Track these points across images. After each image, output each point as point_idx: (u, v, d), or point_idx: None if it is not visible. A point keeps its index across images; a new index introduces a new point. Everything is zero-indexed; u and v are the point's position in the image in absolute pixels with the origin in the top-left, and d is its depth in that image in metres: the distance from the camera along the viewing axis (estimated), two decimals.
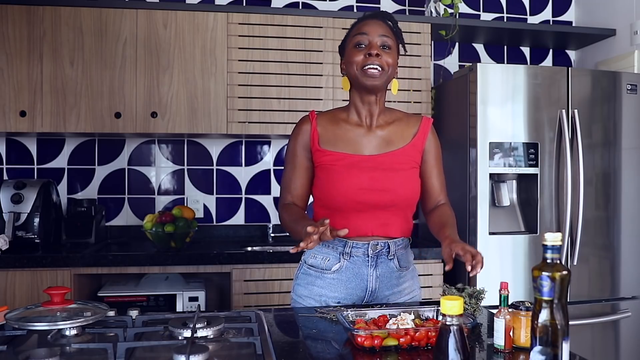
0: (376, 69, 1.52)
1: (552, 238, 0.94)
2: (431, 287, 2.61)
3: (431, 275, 2.62)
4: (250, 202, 3.12)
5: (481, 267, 1.34)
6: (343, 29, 2.80)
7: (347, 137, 1.59)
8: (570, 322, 0.97)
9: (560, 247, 0.94)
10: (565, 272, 0.95)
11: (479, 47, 3.36)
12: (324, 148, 1.58)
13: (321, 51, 2.81)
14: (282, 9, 2.84)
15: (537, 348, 0.95)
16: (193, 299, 2.47)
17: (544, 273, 0.94)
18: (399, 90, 2.83)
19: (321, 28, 2.81)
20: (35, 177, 2.95)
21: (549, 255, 0.95)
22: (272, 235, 3.05)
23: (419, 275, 2.60)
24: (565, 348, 0.94)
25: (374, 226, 1.57)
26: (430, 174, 1.64)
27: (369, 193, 1.54)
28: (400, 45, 1.62)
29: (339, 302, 1.59)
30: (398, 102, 2.82)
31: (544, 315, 0.95)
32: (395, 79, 1.62)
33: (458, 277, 2.45)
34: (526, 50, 3.42)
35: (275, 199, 3.12)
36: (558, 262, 0.95)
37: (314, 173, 1.62)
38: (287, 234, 3.12)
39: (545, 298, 0.94)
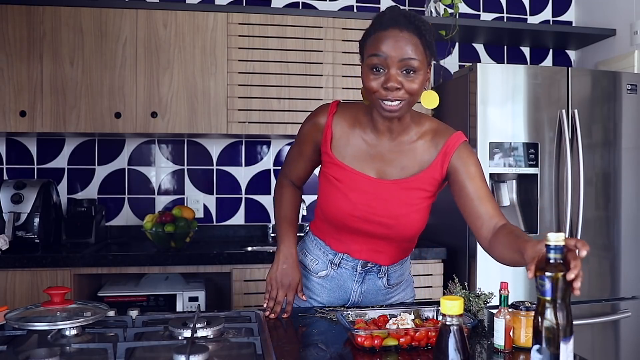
0: (396, 103, 1.27)
1: (555, 238, 0.94)
2: (431, 287, 2.61)
3: (431, 275, 2.62)
4: (250, 202, 3.12)
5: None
6: (343, 29, 2.81)
7: (359, 149, 1.41)
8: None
9: (563, 247, 0.94)
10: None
11: (479, 47, 3.36)
12: (334, 154, 1.43)
13: (321, 51, 2.80)
14: (282, 9, 2.84)
15: (536, 347, 0.95)
16: (193, 299, 2.47)
17: (546, 273, 0.94)
18: None
19: (321, 28, 2.81)
20: (35, 177, 2.95)
21: (551, 255, 0.95)
22: (272, 235, 3.05)
23: (419, 275, 2.61)
24: (569, 348, 0.94)
25: (364, 250, 1.48)
26: (468, 198, 1.33)
27: (361, 222, 1.41)
28: (431, 56, 1.32)
29: (322, 306, 1.57)
30: None
31: (545, 315, 0.95)
32: (428, 90, 1.34)
33: (459, 278, 2.44)
34: (526, 50, 3.42)
35: None
36: (561, 262, 0.95)
37: (319, 161, 1.51)
38: None
39: (547, 298, 0.94)
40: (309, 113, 1.51)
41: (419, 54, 1.26)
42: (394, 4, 3.23)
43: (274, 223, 3.04)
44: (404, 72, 1.26)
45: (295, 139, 1.57)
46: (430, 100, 1.33)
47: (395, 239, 1.45)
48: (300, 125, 1.54)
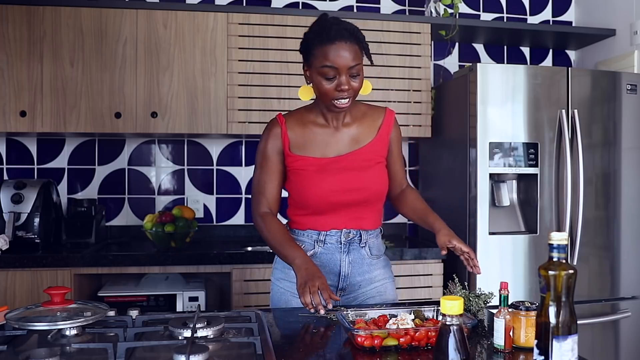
0: (346, 101, 1.55)
1: (558, 237, 0.95)
2: (431, 287, 2.61)
3: (431, 275, 2.62)
4: (250, 202, 3.11)
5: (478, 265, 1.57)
6: None
7: (316, 140, 1.64)
8: None
9: (566, 246, 0.95)
10: (571, 271, 0.95)
11: (479, 47, 3.36)
12: (295, 153, 1.64)
13: None
14: (282, 9, 2.84)
15: (536, 342, 0.96)
16: (193, 299, 2.47)
17: (550, 272, 0.95)
18: (399, 90, 2.84)
19: None
20: (36, 177, 2.95)
21: (555, 254, 0.95)
22: None
23: (419, 275, 2.62)
24: (566, 347, 0.94)
25: (347, 220, 1.65)
26: (394, 161, 1.73)
27: (341, 194, 1.62)
28: (365, 56, 1.59)
29: None
30: (398, 102, 2.82)
31: (544, 312, 0.95)
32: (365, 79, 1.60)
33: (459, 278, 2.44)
34: (526, 50, 3.42)
35: None
36: (564, 261, 0.95)
37: (285, 175, 1.68)
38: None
39: (549, 295, 0.95)
40: (262, 133, 1.70)
41: (359, 59, 1.55)
42: (394, 4, 3.23)
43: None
44: (350, 76, 1.53)
45: (256, 164, 1.71)
46: (365, 88, 1.62)
47: (370, 199, 1.66)
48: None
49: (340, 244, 1.66)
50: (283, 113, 1.71)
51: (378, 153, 1.68)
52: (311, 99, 1.68)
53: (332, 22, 1.56)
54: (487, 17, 3.35)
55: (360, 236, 1.67)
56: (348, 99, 1.55)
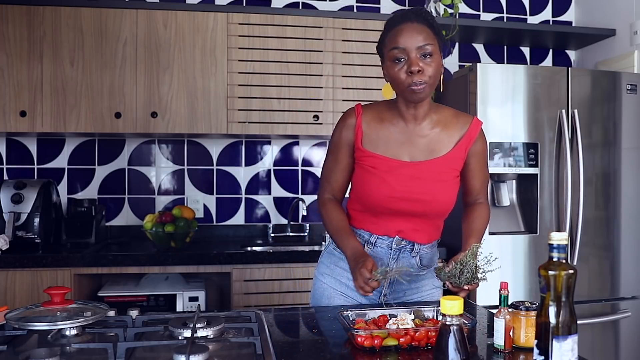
0: (422, 85, 1.43)
1: (558, 237, 0.95)
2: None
3: None
4: (250, 202, 3.12)
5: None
6: (343, 29, 2.81)
7: (389, 139, 1.55)
8: None
9: (566, 246, 0.95)
10: (571, 271, 0.95)
11: (479, 47, 3.37)
12: (366, 148, 1.56)
13: (321, 51, 2.81)
14: (282, 9, 2.84)
15: (536, 342, 0.96)
16: (193, 299, 2.47)
17: (550, 272, 0.95)
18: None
19: (321, 28, 2.81)
20: (36, 177, 2.95)
21: (555, 254, 0.95)
22: (272, 235, 3.05)
23: None
24: (573, 346, 0.94)
25: (401, 229, 1.58)
26: (471, 176, 1.60)
27: (401, 202, 1.53)
28: (441, 41, 1.51)
29: None
30: None
31: (544, 311, 0.95)
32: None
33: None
34: (526, 50, 3.42)
35: (275, 199, 3.12)
36: (564, 261, 0.95)
37: (354, 167, 1.61)
38: (287, 234, 3.12)
39: (548, 295, 0.95)
40: (337, 121, 1.62)
41: (432, 40, 1.44)
42: (394, 4, 3.23)
43: (274, 223, 3.08)
44: (422, 57, 1.43)
45: (327, 150, 1.66)
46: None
47: (431, 215, 1.57)
48: (328, 127, 1.61)
49: (391, 249, 1.59)
50: (363, 103, 1.61)
51: (453, 167, 1.55)
52: (394, 97, 1.58)
53: (400, 11, 1.51)
54: (487, 17, 3.35)
55: (413, 246, 1.59)
56: (424, 84, 1.43)
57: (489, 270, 1.38)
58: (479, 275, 1.37)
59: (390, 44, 1.46)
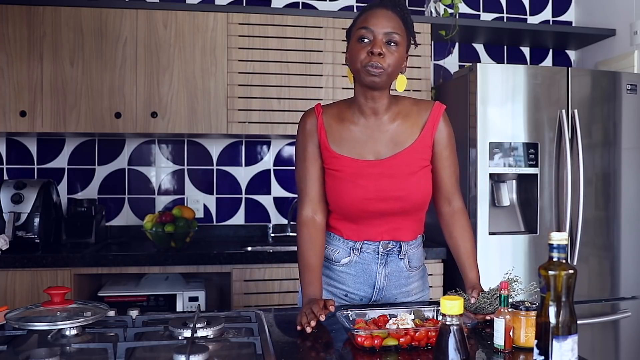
0: (379, 69, 1.40)
1: (558, 237, 0.95)
2: (431, 287, 2.60)
3: (431, 275, 2.62)
4: (250, 202, 3.12)
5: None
6: (343, 29, 2.81)
7: (352, 138, 1.50)
8: None
9: (566, 246, 0.95)
10: (571, 271, 0.95)
11: (479, 47, 3.36)
12: (332, 147, 1.51)
13: (321, 51, 2.81)
14: (282, 9, 2.84)
15: (536, 342, 0.96)
16: (193, 299, 2.47)
17: (550, 272, 0.95)
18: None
19: (321, 28, 2.81)
20: (36, 177, 2.95)
21: (555, 254, 0.95)
22: (272, 235, 3.05)
23: None
24: (573, 346, 0.94)
25: (383, 231, 1.53)
26: (442, 167, 1.53)
27: (376, 202, 1.48)
28: (410, 38, 1.48)
29: (346, 294, 1.59)
30: None
31: (544, 311, 0.95)
32: (403, 74, 1.49)
33: (457, 281, 2.45)
34: (526, 50, 3.42)
35: (275, 199, 3.12)
36: (564, 261, 0.95)
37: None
38: (287, 234, 3.12)
39: (548, 295, 0.95)
40: (297, 125, 1.59)
41: (401, 31, 1.43)
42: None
43: (274, 223, 3.08)
44: (387, 44, 1.41)
45: (295, 159, 1.61)
46: (401, 83, 1.49)
47: (410, 210, 1.52)
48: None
49: (378, 254, 1.55)
50: (322, 103, 1.57)
51: (421, 156, 1.50)
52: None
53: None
54: (487, 17, 3.35)
55: (400, 247, 1.55)
56: (381, 69, 1.39)
57: (519, 289, 1.44)
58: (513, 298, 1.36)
59: (360, 24, 1.44)
